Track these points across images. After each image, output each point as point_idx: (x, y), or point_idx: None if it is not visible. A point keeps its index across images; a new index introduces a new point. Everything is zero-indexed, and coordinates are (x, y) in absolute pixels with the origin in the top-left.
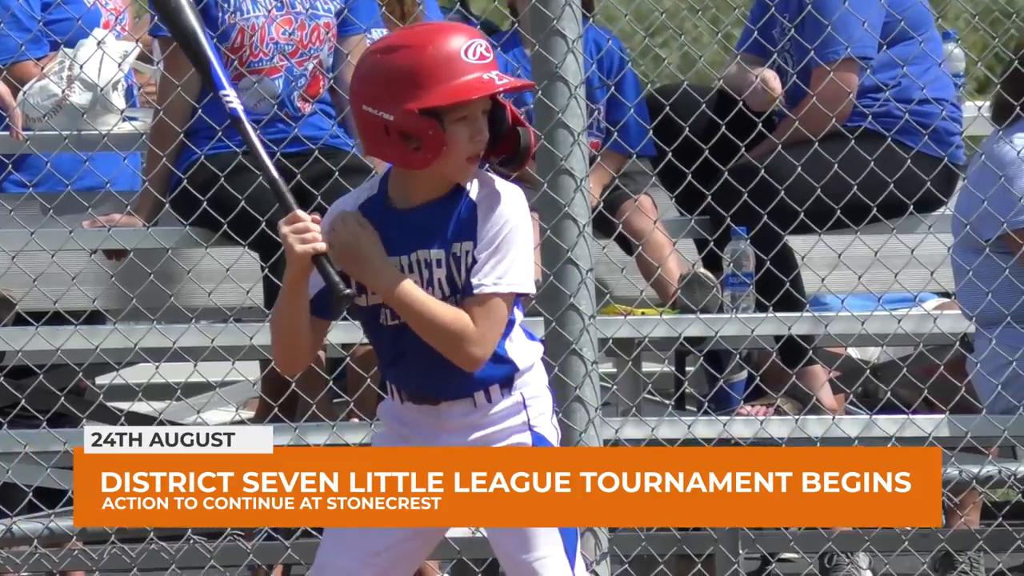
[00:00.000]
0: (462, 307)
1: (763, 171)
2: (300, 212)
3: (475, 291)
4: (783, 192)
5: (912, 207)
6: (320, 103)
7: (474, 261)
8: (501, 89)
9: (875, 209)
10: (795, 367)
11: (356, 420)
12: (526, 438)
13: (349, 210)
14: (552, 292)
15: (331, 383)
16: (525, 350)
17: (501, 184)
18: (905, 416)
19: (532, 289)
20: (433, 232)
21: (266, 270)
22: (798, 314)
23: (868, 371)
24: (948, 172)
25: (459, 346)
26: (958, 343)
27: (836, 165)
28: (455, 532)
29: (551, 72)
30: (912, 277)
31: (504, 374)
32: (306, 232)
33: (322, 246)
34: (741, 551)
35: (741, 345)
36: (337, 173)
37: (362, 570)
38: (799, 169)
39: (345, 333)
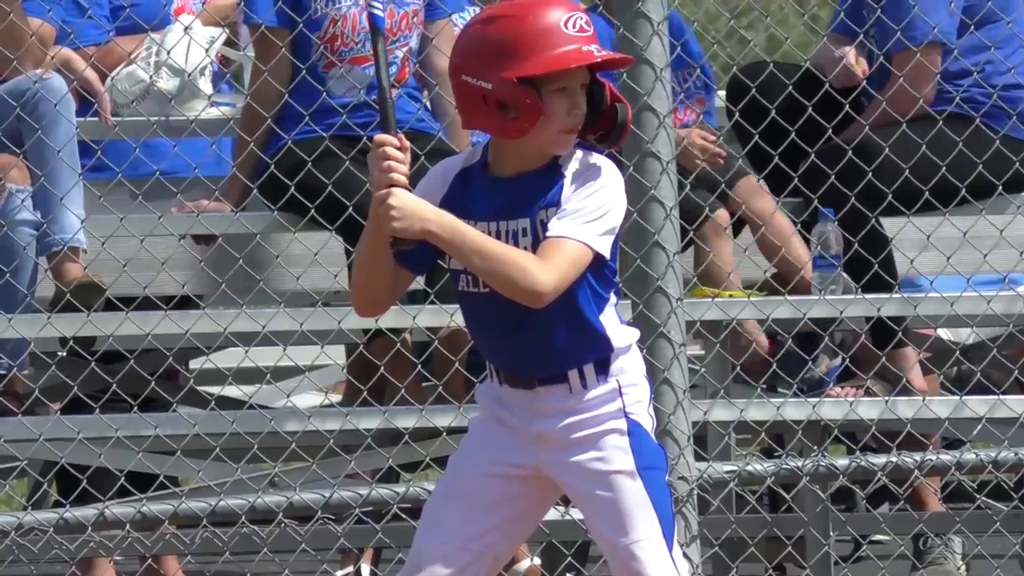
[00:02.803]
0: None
1: (851, 152)
2: (393, 138)
3: (548, 234)
4: (871, 174)
5: (1001, 188)
6: (405, 87)
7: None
8: (598, 60)
9: (964, 190)
10: (885, 349)
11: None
12: (621, 424)
13: (452, 169)
14: (639, 275)
15: (419, 366)
16: (620, 331)
17: (597, 158)
18: (996, 397)
19: (606, 253)
20: (521, 202)
21: (354, 254)
22: (887, 296)
23: (958, 352)
24: None
25: (524, 275)
26: None
27: (924, 146)
28: (545, 515)
29: (636, 54)
30: (1002, 258)
31: (600, 353)
32: (387, 160)
33: (400, 178)
34: (832, 533)
35: (831, 328)
36: (423, 156)
37: (460, 555)
38: (887, 150)
39: (432, 316)
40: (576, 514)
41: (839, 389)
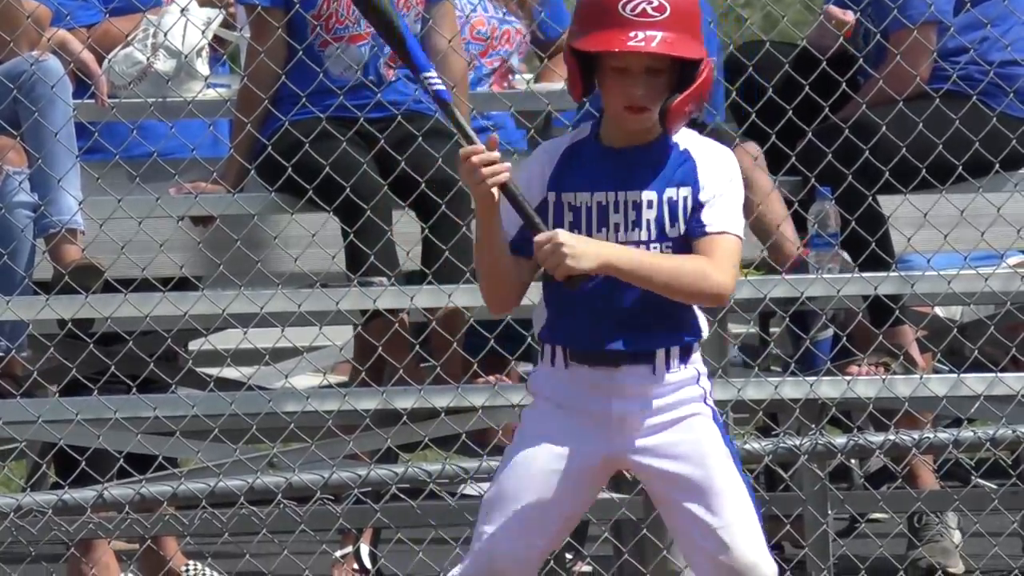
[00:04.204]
0: (693, 248)
1: (847, 131)
2: (477, 144)
3: (707, 230)
4: (868, 152)
5: (998, 165)
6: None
7: (696, 205)
8: (626, 50)
9: (960, 168)
10: (883, 327)
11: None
12: (705, 410)
13: (558, 147)
14: None
15: (417, 347)
16: (705, 321)
17: (712, 143)
18: (993, 375)
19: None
20: (644, 174)
21: (350, 235)
22: (884, 274)
23: (955, 330)
24: None
25: (705, 279)
26: None
27: (921, 124)
28: None
29: None
30: (998, 235)
31: (688, 339)
32: (483, 166)
33: (504, 177)
34: (830, 511)
35: (827, 305)
36: (420, 137)
37: (528, 553)
38: (884, 128)
39: (430, 297)
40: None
41: (856, 368)
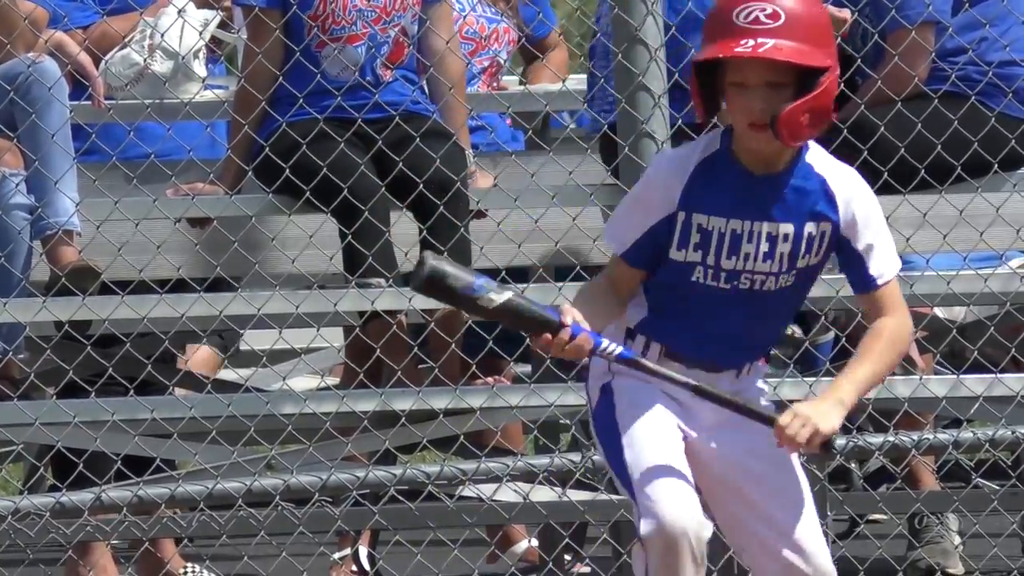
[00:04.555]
0: (866, 300)
1: (845, 131)
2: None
3: (879, 283)
4: (866, 152)
5: (996, 166)
6: (401, 69)
7: (840, 242)
8: (731, 56)
9: (959, 168)
10: None
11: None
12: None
13: (688, 159)
14: None
15: (415, 348)
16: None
17: (840, 166)
18: (993, 375)
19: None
20: (783, 204)
21: (348, 236)
22: None
23: (955, 331)
24: None
25: (904, 341)
26: None
27: (920, 125)
28: (541, 496)
29: (631, 35)
30: (997, 236)
31: (771, 346)
32: (566, 346)
33: (586, 348)
34: (829, 512)
35: (826, 306)
36: (418, 138)
37: (694, 501)
38: (882, 129)
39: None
40: (574, 495)
41: None
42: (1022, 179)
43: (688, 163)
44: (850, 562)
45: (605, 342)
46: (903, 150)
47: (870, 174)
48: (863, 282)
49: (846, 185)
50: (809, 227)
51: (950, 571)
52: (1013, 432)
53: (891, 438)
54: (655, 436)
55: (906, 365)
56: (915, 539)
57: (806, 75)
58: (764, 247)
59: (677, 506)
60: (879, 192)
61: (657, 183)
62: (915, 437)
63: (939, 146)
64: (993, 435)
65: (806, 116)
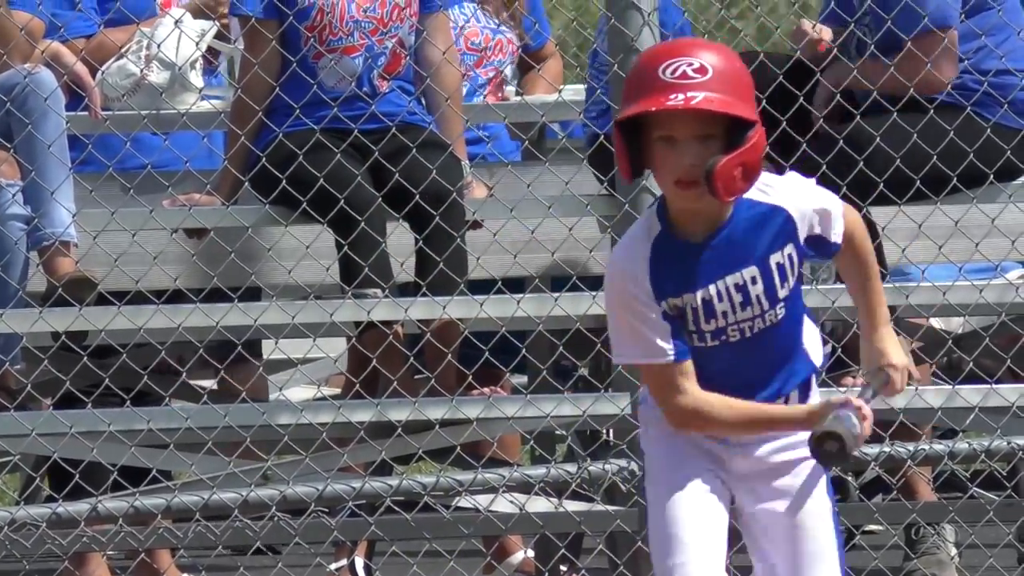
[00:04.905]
0: (839, 259)
1: (841, 142)
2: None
3: (840, 242)
4: (862, 163)
5: (992, 177)
6: (398, 80)
7: (811, 241)
8: (664, 109)
9: (955, 179)
10: None
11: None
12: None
13: (637, 254)
14: None
15: (411, 359)
16: (816, 344)
17: (776, 178)
18: (989, 386)
19: None
20: (738, 254)
21: (345, 247)
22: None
23: (951, 341)
24: None
25: (875, 262)
26: None
27: (915, 135)
28: (537, 507)
29: (627, 45)
30: (993, 247)
31: (805, 375)
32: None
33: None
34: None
35: (822, 317)
36: (414, 149)
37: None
38: (878, 139)
39: (424, 309)
40: (570, 506)
41: (853, 379)
42: (1018, 190)
43: (642, 257)
44: (846, 573)
45: (853, 397)
46: (899, 161)
47: (865, 185)
48: (829, 249)
49: (788, 198)
50: (775, 258)
51: None
52: (1009, 443)
53: (887, 448)
54: (683, 502)
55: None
56: (911, 550)
57: (733, 131)
58: (738, 298)
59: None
60: (874, 203)
61: (629, 288)
62: (911, 448)
63: (935, 157)
64: (989, 446)
65: (739, 170)
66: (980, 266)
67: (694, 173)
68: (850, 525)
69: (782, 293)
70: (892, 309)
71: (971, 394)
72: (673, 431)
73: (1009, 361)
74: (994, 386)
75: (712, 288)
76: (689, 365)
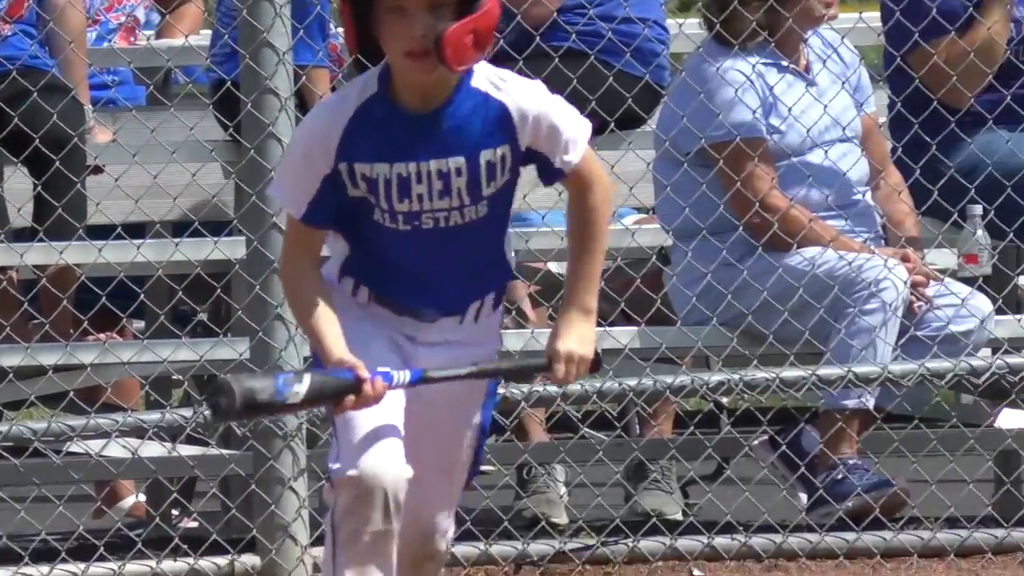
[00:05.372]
0: (569, 184)
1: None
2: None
3: (573, 165)
4: None
5: (613, 124)
6: (20, 23)
7: (523, 156)
8: None
9: None
10: None
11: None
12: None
13: (344, 108)
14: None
15: (25, 304)
16: (511, 256)
17: (502, 77)
18: (601, 329)
19: None
20: (449, 139)
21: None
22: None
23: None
24: (651, 91)
25: (607, 206)
26: (655, 256)
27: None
28: (151, 452)
29: None
30: (613, 193)
31: (500, 282)
32: (369, 398)
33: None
34: None
35: None
36: (35, 93)
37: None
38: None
39: (41, 254)
40: (184, 451)
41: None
42: (638, 137)
43: (343, 112)
44: (457, 514)
45: (394, 374)
46: None
47: None
48: (554, 174)
49: (516, 97)
50: (485, 155)
51: (554, 520)
52: (620, 384)
53: (503, 391)
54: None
55: (518, 319)
56: (522, 489)
57: (465, 0)
58: (438, 185)
59: (378, 456)
60: None
61: (315, 137)
62: (524, 390)
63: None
64: (601, 387)
65: (471, 37)
66: None
67: (425, 43)
68: None
69: (487, 192)
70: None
71: None
72: (360, 306)
73: (623, 304)
74: (607, 328)
75: (412, 166)
76: (315, 235)
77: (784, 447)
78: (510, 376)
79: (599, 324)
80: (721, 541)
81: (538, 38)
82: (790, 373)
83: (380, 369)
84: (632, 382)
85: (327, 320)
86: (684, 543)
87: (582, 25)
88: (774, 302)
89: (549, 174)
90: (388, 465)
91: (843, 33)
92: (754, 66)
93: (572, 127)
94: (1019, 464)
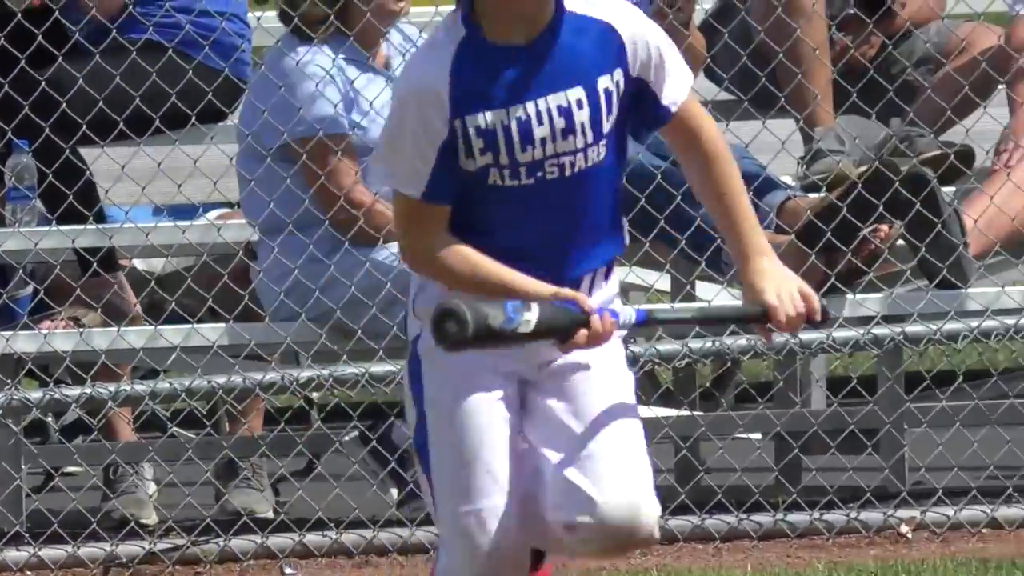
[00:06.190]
0: (678, 128)
1: (44, 83)
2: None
3: (679, 105)
4: (65, 105)
5: (195, 119)
6: None
7: (637, 85)
8: None
9: (158, 120)
10: (86, 278)
11: None
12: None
13: (443, 63)
14: None
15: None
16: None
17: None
18: (190, 326)
19: None
20: (563, 67)
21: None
22: (82, 227)
23: (153, 282)
24: (233, 85)
25: (729, 153)
26: (241, 252)
27: (118, 77)
28: None
29: None
30: (197, 188)
31: (616, 247)
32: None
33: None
34: (24, 466)
35: (25, 259)
36: None
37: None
38: (80, 81)
39: None
40: None
41: (52, 321)
42: (220, 132)
43: (442, 63)
44: (44, 515)
45: (621, 311)
46: (101, 102)
47: (70, 126)
48: (662, 114)
49: (618, 17)
50: (603, 81)
51: (143, 521)
52: (209, 382)
53: (88, 390)
54: (468, 440)
55: (104, 317)
56: (110, 490)
57: None
58: (560, 123)
59: (491, 543)
60: (80, 144)
61: (424, 96)
62: (112, 388)
63: (137, 98)
64: (190, 385)
65: None
66: (183, 207)
67: None
68: (50, 468)
69: (606, 127)
70: (98, 251)
71: (173, 334)
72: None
73: (210, 300)
74: (195, 325)
75: (532, 106)
76: (443, 211)
77: (374, 442)
78: (734, 321)
79: (186, 321)
80: (312, 538)
81: (115, 31)
82: (379, 368)
83: (600, 306)
84: (221, 379)
85: (508, 272)
86: (275, 541)
87: (160, 17)
88: (362, 297)
89: (652, 116)
90: (503, 550)
91: (421, 27)
92: (334, 60)
93: (677, 59)
94: None
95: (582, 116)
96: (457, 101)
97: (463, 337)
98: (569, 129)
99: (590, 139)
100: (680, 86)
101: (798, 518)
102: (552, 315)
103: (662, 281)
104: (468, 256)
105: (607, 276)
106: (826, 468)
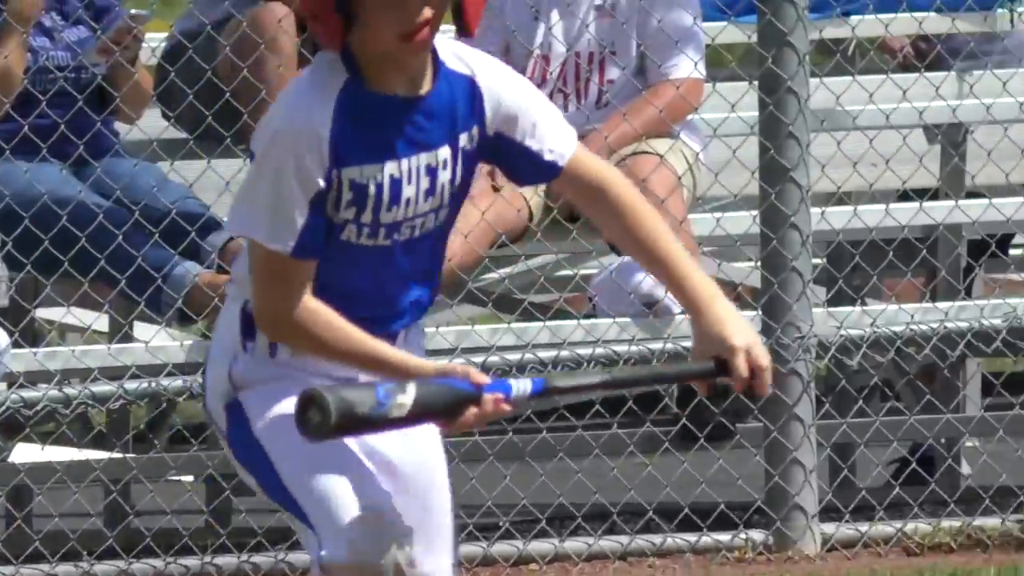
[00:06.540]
0: (571, 180)
1: None
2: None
3: (569, 155)
4: None
5: None
6: None
7: (500, 141)
8: None
9: None
10: None
11: None
12: None
13: (324, 107)
14: None
15: None
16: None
17: (468, 50)
18: None
19: None
20: (437, 126)
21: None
22: None
23: None
24: None
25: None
26: None
27: None
28: None
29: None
30: None
31: (432, 293)
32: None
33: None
34: None
35: None
36: None
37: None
38: None
39: None
40: None
41: None
42: None
43: (326, 104)
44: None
45: (513, 385)
46: None
47: None
48: (547, 168)
49: (483, 72)
50: (462, 139)
51: None
52: None
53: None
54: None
55: None
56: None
57: None
58: (425, 183)
59: (369, 524)
60: None
61: (301, 140)
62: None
63: None
64: None
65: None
66: None
67: (424, 19)
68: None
69: (458, 188)
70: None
71: None
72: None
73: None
74: None
75: (405, 163)
76: (310, 268)
77: None
78: (660, 382)
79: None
80: None
81: None
82: None
83: (493, 381)
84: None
85: (382, 346)
86: None
87: None
88: None
89: (538, 171)
90: (382, 533)
91: None
92: None
93: (554, 113)
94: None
95: (444, 177)
96: (336, 149)
97: (326, 428)
98: (431, 191)
99: (445, 200)
100: (562, 140)
101: (226, 560)
102: (433, 395)
103: (99, 322)
104: (334, 323)
105: (419, 317)
106: (255, 510)
